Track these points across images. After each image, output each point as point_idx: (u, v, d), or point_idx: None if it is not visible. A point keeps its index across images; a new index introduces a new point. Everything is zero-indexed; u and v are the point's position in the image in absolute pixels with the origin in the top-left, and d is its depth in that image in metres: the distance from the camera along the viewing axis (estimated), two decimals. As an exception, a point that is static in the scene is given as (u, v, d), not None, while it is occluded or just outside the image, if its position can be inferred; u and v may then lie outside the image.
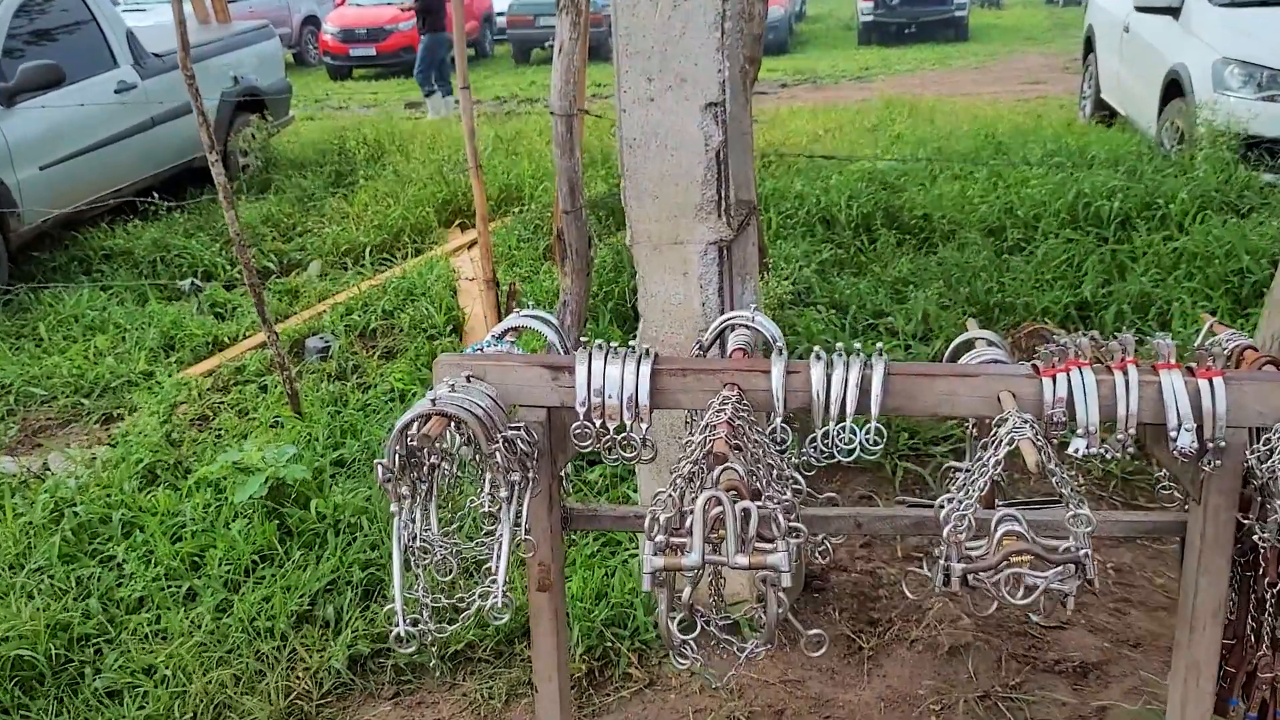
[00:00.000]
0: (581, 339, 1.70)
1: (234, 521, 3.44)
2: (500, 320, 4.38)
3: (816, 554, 1.73)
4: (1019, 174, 6.56)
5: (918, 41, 19.31)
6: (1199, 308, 4.54)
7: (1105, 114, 9.41)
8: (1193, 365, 1.57)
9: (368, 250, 6.55)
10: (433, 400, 1.55)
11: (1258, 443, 1.54)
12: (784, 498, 1.54)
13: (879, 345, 1.63)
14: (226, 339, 5.39)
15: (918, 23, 19.52)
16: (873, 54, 18.33)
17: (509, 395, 1.67)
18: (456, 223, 7.13)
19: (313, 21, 20.47)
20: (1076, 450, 1.56)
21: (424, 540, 1.58)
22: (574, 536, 3.35)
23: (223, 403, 4.69)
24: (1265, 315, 3.61)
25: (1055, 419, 1.56)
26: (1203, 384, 1.53)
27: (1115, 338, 1.63)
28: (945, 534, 1.47)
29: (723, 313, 2.82)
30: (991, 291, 5.05)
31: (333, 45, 17.88)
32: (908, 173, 7.03)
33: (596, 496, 3.66)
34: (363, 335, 5.32)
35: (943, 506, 1.53)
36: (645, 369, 1.64)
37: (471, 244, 6.53)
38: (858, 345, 1.64)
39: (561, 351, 1.88)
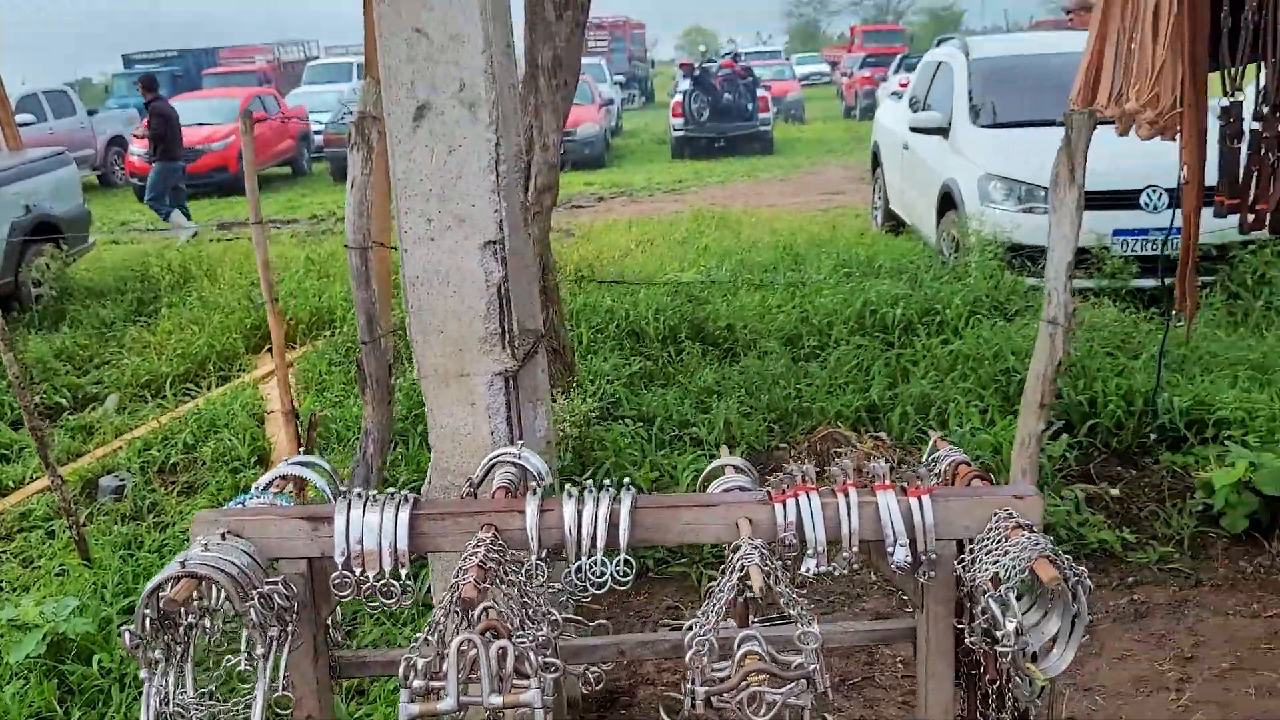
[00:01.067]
0: (342, 489, 1.74)
1: (8, 684, 3.24)
2: (301, 452, 4.32)
3: (581, 684, 1.79)
4: (814, 284, 6.96)
5: (727, 155, 20.28)
6: (971, 406, 4.89)
7: (894, 223, 10.11)
8: (906, 485, 1.73)
9: (170, 381, 6.35)
10: (182, 562, 1.56)
11: (965, 553, 1.70)
12: (539, 634, 1.60)
13: (626, 480, 1.73)
14: (11, 483, 5.11)
15: (726, 137, 20.52)
16: (686, 167, 19.12)
17: (269, 549, 1.69)
18: (266, 348, 7.00)
19: (119, 142, 19.93)
20: (808, 570, 1.69)
21: (179, 704, 1.57)
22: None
23: (5, 552, 4.42)
24: (1022, 415, 3.94)
25: (788, 541, 1.69)
26: (914, 502, 1.69)
27: (862, 458, 1.78)
28: (688, 659, 1.56)
29: (512, 440, 2.90)
30: (789, 398, 5.30)
31: (140, 166, 17.41)
32: (713, 285, 7.35)
33: (400, 628, 3.62)
34: (162, 471, 5.13)
35: (690, 629, 1.62)
36: (404, 516, 1.69)
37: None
38: (607, 483, 1.74)
39: (331, 498, 1.91)
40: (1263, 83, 3.38)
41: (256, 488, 1.86)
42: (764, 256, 8.23)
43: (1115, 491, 4.38)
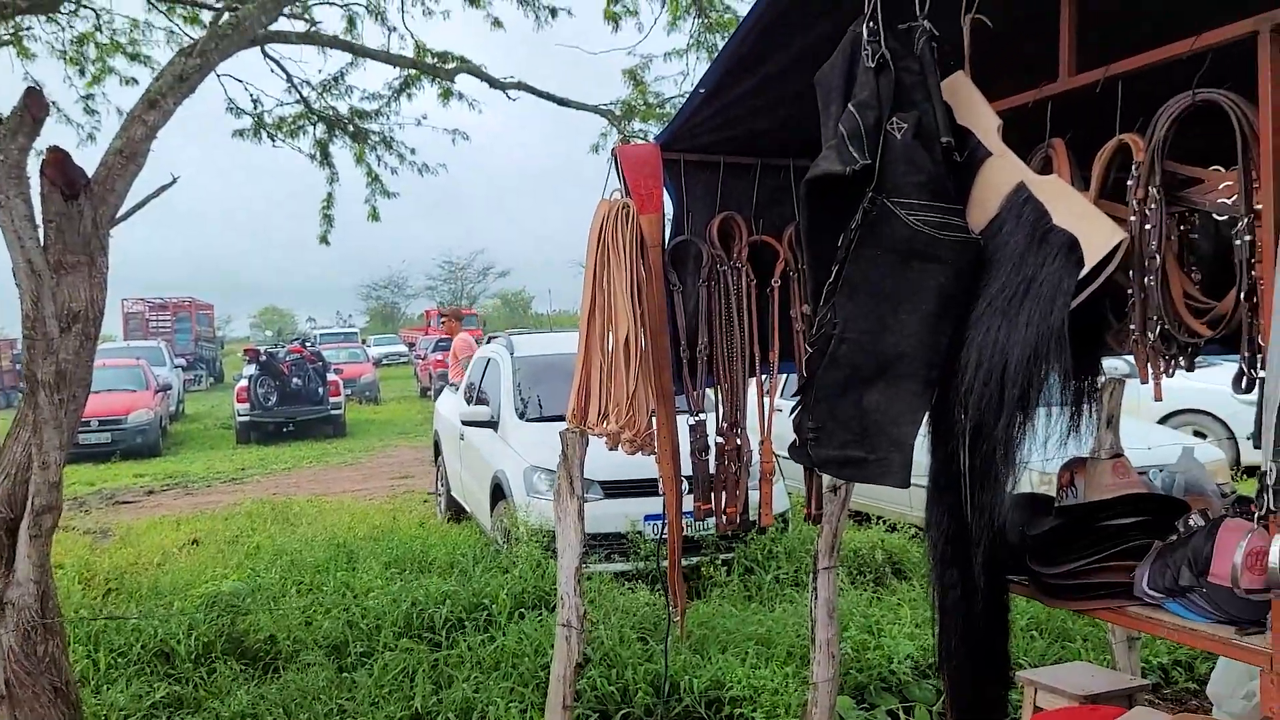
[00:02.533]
0: None
1: None
2: None
3: None
4: (364, 583, 6.82)
5: (296, 439, 19.83)
6: (512, 707, 4.92)
7: (457, 511, 10.27)
8: None
9: None
10: None
11: None
12: None
13: None
14: None
15: (295, 421, 20.11)
16: (251, 453, 18.39)
17: None
18: None
19: None
20: None
21: None
22: None
23: None
24: (547, 719, 4.03)
25: None
26: None
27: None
28: None
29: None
30: (331, 714, 5.04)
31: None
32: (259, 589, 6.96)
33: None
34: None
35: None
36: None
37: None
38: None
39: None
40: (720, 404, 3.93)
41: None
42: (317, 555, 7.95)
43: (646, 782, 4.55)
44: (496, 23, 8.33)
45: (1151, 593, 2.69)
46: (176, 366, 27.80)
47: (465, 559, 7.32)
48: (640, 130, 8.08)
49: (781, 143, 3.82)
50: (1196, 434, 10.81)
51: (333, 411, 20.66)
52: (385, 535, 8.91)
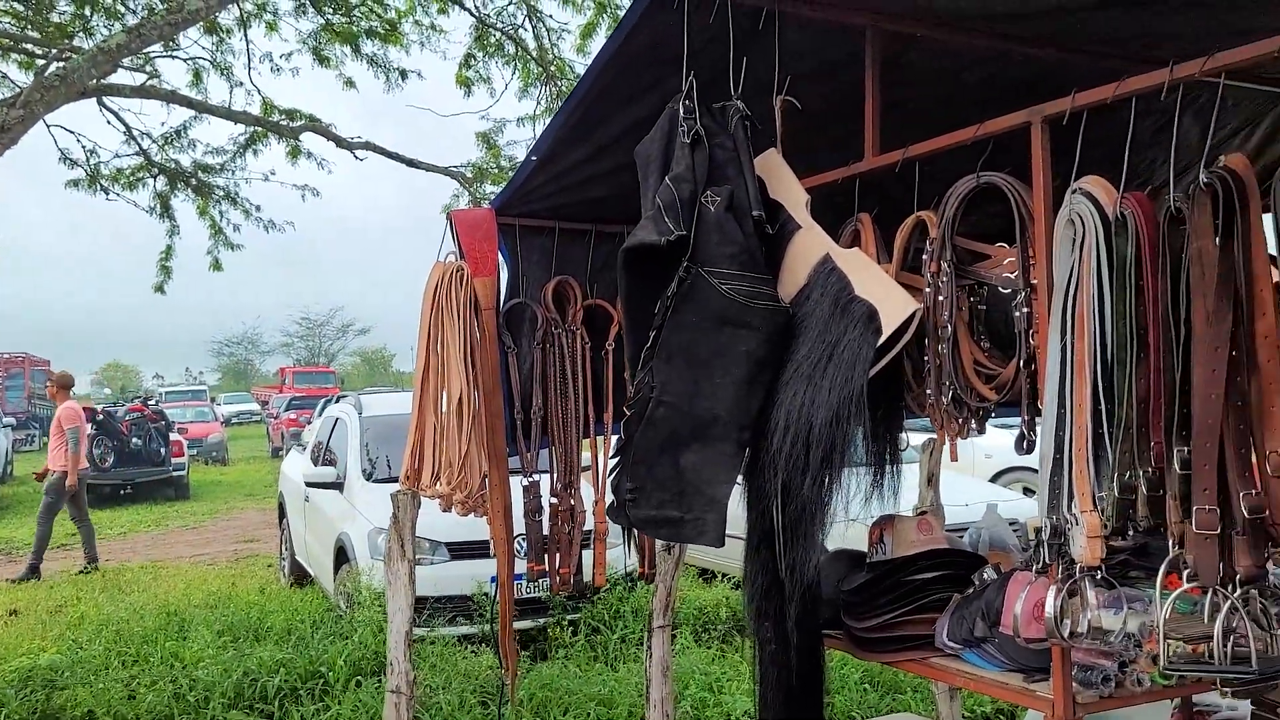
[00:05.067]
0: None
1: None
2: None
3: None
4: (194, 653, 6.53)
5: (135, 502, 18.90)
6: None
7: (301, 575, 9.95)
8: None
9: None
10: None
11: None
12: None
13: None
14: None
15: (134, 483, 19.18)
16: (84, 518, 17.41)
17: None
18: None
19: None
20: None
21: None
22: None
23: None
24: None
25: None
26: None
27: None
28: None
29: None
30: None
31: None
32: (80, 662, 6.59)
33: None
34: None
35: None
36: None
37: None
38: None
39: None
40: (554, 465, 3.97)
41: None
42: (146, 624, 7.57)
43: None
44: (349, 83, 8.31)
45: (951, 644, 2.83)
46: (6, 425, 26.22)
47: (304, 625, 7.09)
48: (492, 193, 8.13)
49: (616, 209, 3.92)
50: (1026, 490, 11.37)
51: (175, 473, 19.79)
52: (222, 602, 8.55)
